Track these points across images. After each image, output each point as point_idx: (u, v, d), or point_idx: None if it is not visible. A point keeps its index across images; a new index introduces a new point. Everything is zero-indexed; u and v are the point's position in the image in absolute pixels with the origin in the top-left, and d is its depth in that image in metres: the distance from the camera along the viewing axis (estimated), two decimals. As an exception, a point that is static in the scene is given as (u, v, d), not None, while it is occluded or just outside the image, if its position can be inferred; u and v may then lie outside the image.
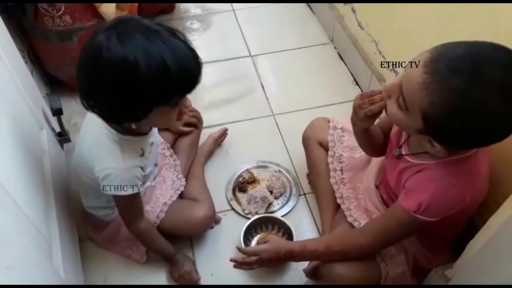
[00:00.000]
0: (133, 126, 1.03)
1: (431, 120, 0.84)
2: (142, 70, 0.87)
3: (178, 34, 0.94)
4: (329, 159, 1.37)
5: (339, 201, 1.31)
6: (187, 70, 0.93)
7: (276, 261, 1.16)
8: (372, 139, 1.21)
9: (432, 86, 0.81)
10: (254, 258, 1.15)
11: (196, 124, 1.54)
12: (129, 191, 1.09)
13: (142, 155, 1.12)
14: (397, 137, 1.12)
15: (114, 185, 1.07)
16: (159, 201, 1.31)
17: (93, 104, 0.96)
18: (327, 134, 1.38)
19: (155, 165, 1.29)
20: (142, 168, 1.12)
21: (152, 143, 1.16)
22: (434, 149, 0.90)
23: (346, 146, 1.37)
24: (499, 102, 0.78)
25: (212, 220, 1.41)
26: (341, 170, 1.35)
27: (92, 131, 1.10)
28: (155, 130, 1.20)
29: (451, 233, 1.16)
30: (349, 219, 1.25)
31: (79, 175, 1.19)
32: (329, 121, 1.41)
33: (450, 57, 0.83)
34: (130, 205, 1.16)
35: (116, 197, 1.13)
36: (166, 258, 1.33)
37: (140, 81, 0.88)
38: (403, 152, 1.07)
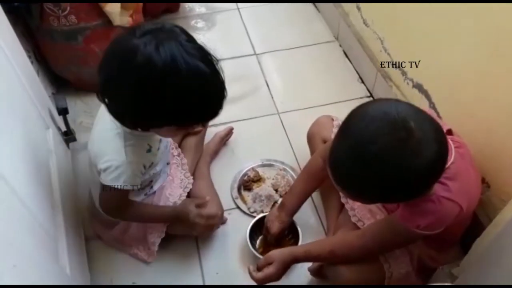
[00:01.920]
0: (139, 130, 1.04)
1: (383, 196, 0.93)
2: (169, 90, 0.87)
3: (213, 60, 0.94)
4: None
5: (342, 200, 1.31)
6: (211, 104, 0.95)
7: (286, 270, 1.18)
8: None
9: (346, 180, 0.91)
10: (267, 281, 1.16)
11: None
12: (118, 184, 1.08)
13: (149, 151, 1.12)
14: None
15: (111, 177, 1.07)
16: (169, 201, 1.31)
17: (107, 99, 0.97)
18: (331, 132, 1.38)
19: (167, 164, 1.29)
20: (144, 166, 1.12)
21: (160, 140, 1.16)
22: None
23: None
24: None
25: (221, 219, 1.41)
26: None
27: (100, 124, 1.10)
28: None
29: (456, 233, 1.15)
30: (353, 219, 1.25)
31: (92, 171, 1.19)
32: (333, 119, 1.41)
33: None
34: (117, 198, 1.14)
35: (106, 188, 1.11)
36: (168, 220, 1.29)
37: (163, 99, 0.89)
38: None
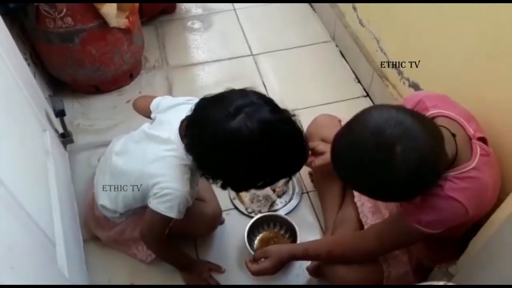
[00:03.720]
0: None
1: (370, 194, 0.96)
2: (276, 158, 0.97)
3: (297, 125, 1.03)
4: None
5: (356, 199, 1.31)
6: (299, 166, 1.06)
7: (282, 266, 1.18)
8: None
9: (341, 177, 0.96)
10: (261, 275, 1.18)
11: None
12: (172, 214, 1.09)
13: (197, 185, 1.18)
14: None
15: (167, 205, 1.08)
16: None
17: (205, 170, 1.04)
18: (330, 131, 1.38)
19: None
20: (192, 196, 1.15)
21: None
22: None
23: None
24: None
25: (220, 219, 1.41)
26: None
27: (163, 148, 1.10)
28: None
29: (457, 235, 1.15)
30: (361, 216, 1.26)
31: (121, 180, 1.19)
32: (340, 120, 1.41)
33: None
34: (160, 226, 1.15)
35: (153, 214, 1.11)
36: (182, 268, 1.33)
37: (269, 167, 0.99)
38: None
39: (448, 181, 0.93)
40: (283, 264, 1.17)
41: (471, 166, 0.94)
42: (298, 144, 1.02)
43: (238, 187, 1.12)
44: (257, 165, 0.97)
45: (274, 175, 1.03)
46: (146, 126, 1.19)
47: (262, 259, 1.19)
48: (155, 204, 1.09)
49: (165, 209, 1.08)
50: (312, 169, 1.41)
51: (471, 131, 0.99)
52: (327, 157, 1.22)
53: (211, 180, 1.05)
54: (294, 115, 1.04)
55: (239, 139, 0.93)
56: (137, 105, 1.31)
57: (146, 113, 1.24)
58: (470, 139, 0.98)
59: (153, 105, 1.21)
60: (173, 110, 1.17)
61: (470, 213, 0.93)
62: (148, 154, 1.12)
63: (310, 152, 1.24)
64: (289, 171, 1.06)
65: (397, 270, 1.15)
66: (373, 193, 0.93)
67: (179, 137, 1.08)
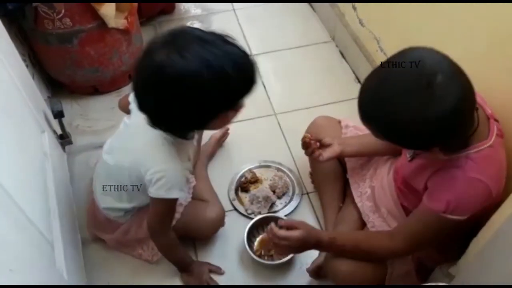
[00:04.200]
0: (196, 135, 1.05)
1: (393, 142, 0.90)
2: (207, 81, 0.88)
3: (228, 39, 0.95)
4: (346, 158, 1.37)
5: (356, 200, 1.31)
6: (246, 73, 0.95)
7: (302, 250, 1.14)
8: (370, 153, 1.30)
9: (365, 117, 0.90)
10: (284, 242, 1.10)
11: None
12: (174, 195, 1.09)
13: (189, 159, 1.14)
14: None
15: (165, 188, 1.07)
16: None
17: (163, 122, 0.98)
18: (329, 132, 1.38)
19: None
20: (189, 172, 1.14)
21: (191, 148, 1.18)
22: (436, 153, 0.90)
23: None
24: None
25: (223, 221, 1.40)
26: (360, 167, 1.35)
27: (142, 133, 1.08)
28: None
29: (459, 234, 1.15)
30: (363, 216, 1.26)
31: (117, 180, 1.18)
32: (339, 122, 1.42)
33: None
34: (167, 213, 1.15)
35: (156, 202, 1.11)
36: (182, 268, 1.32)
37: (206, 91, 0.90)
38: (418, 152, 1.05)
39: (469, 160, 0.92)
40: (307, 244, 1.10)
41: (488, 144, 0.93)
42: (238, 64, 0.92)
43: (202, 120, 1.00)
44: (204, 90, 0.91)
45: (228, 93, 0.94)
46: (125, 118, 1.20)
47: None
48: (154, 192, 1.08)
49: (165, 193, 1.08)
50: (319, 163, 1.36)
51: (488, 111, 0.99)
52: (335, 149, 1.21)
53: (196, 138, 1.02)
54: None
55: (171, 69, 0.88)
56: (121, 105, 1.30)
57: (127, 109, 1.23)
58: (488, 118, 0.97)
59: (130, 98, 1.20)
60: None
61: (494, 192, 0.92)
62: (131, 143, 1.12)
63: (318, 144, 1.24)
64: (237, 93, 0.97)
65: (400, 268, 1.14)
66: (402, 133, 0.87)
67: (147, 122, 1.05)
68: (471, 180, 0.92)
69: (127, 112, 1.23)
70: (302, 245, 1.09)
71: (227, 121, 1.03)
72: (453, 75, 0.82)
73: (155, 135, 1.05)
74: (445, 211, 0.94)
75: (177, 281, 1.33)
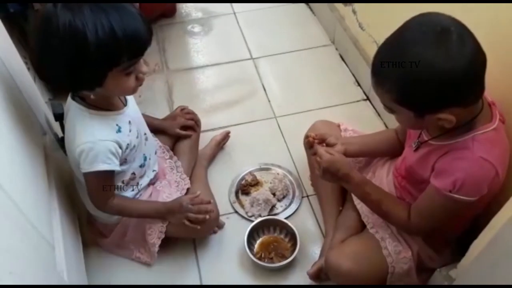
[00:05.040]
0: (92, 96, 1.05)
1: (404, 102, 0.91)
2: (89, 33, 0.90)
3: (126, 5, 0.97)
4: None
5: (355, 202, 1.30)
6: (134, 33, 0.96)
7: (331, 177, 1.15)
8: (372, 152, 1.34)
9: (377, 80, 0.95)
10: (316, 158, 1.15)
11: (193, 127, 1.54)
12: (99, 167, 1.08)
13: (119, 131, 1.13)
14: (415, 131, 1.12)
15: (88, 161, 1.08)
16: None
17: (46, 72, 1.00)
18: (329, 136, 1.38)
19: (155, 153, 1.32)
20: (120, 147, 1.12)
21: (130, 122, 1.17)
22: (447, 121, 0.90)
23: None
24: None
25: (217, 222, 1.41)
26: (359, 170, 1.35)
27: (69, 115, 1.12)
28: (131, 108, 1.20)
29: (452, 230, 1.15)
30: (362, 217, 1.26)
31: (77, 177, 1.19)
32: (338, 125, 1.42)
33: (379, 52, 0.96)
34: (100, 186, 1.14)
35: (86, 178, 1.13)
36: (159, 215, 1.27)
37: (87, 44, 0.91)
38: (425, 138, 1.05)
39: (475, 141, 0.93)
40: (338, 173, 1.12)
41: (492, 127, 0.95)
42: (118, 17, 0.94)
43: (92, 75, 0.99)
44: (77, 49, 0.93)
45: (106, 48, 0.94)
46: None
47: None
48: (83, 168, 1.09)
49: (88, 166, 1.08)
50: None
51: (489, 99, 1.00)
52: (339, 148, 1.21)
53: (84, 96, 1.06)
54: None
55: (51, 23, 0.91)
56: None
57: None
58: (489, 105, 0.99)
59: None
60: None
61: (500, 173, 0.93)
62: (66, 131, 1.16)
63: (324, 145, 1.24)
64: (123, 50, 0.97)
65: (400, 266, 1.15)
66: (416, 87, 0.87)
67: (70, 95, 1.12)
68: (478, 160, 0.92)
69: None
70: (332, 170, 1.12)
71: (123, 85, 1.04)
72: (467, 32, 0.86)
73: (75, 113, 1.08)
74: (451, 190, 0.95)
75: (177, 281, 1.34)
